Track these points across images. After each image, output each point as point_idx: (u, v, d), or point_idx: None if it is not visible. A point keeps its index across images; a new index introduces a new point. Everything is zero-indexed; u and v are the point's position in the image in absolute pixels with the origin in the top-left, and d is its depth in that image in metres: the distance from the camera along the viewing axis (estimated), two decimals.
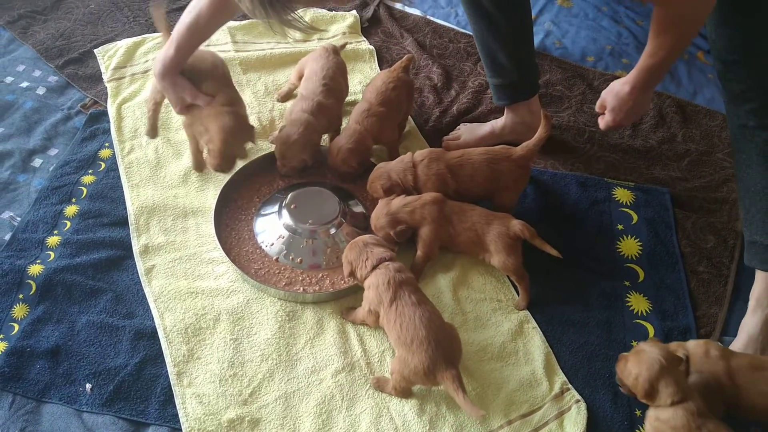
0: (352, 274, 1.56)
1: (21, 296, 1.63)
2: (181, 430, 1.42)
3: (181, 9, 2.55)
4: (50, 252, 1.73)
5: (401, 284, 1.47)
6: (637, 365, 1.32)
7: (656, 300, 1.69)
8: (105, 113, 2.12)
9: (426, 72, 2.35)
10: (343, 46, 2.19)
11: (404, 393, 1.46)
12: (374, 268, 1.51)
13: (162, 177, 1.92)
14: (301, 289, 1.67)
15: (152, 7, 1.91)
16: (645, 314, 1.67)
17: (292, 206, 1.78)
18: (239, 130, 1.79)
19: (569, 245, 1.66)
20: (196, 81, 1.78)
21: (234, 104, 1.80)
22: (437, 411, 1.46)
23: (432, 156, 1.77)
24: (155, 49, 2.34)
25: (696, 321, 1.66)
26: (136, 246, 1.75)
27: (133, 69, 2.25)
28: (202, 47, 1.83)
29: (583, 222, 1.87)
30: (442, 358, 1.37)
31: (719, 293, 1.72)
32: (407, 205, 1.68)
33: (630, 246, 1.82)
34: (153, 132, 1.96)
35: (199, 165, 1.92)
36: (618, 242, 1.83)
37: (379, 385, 1.49)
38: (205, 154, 1.87)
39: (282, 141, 1.83)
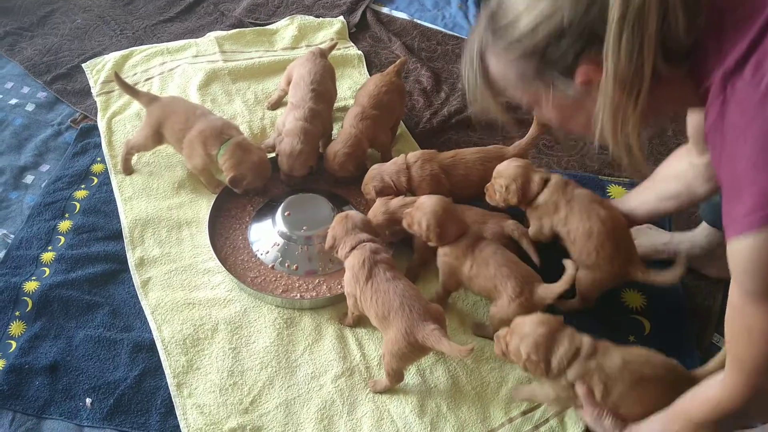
0: (333, 248, 1.57)
1: (18, 313, 1.63)
2: None
3: (168, 21, 2.59)
4: (45, 268, 1.73)
5: (377, 263, 1.48)
6: (419, 213, 1.55)
7: (650, 295, 1.70)
8: (95, 127, 2.12)
9: (415, 75, 2.36)
10: (332, 47, 2.19)
11: (397, 376, 1.46)
12: (353, 248, 1.52)
13: (155, 189, 1.92)
14: (298, 295, 1.67)
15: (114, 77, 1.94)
16: (640, 309, 1.67)
17: (286, 213, 1.78)
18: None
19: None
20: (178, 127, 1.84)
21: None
22: (438, 411, 1.46)
23: (425, 157, 1.78)
24: (143, 62, 2.34)
25: (690, 314, 1.67)
26: (132, 259, 1.75)
27: None
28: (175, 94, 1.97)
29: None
30: (419, 318, 1.37)
31: (713, 286, 1.74)
32: (405, 206, 1.68)
33: None
34: (128, 171, 1.96)
35: (217, 186, 1.92)
36: None
37: (376, 387, 1.50)
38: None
39: (287, 155, 1.83)
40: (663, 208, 1.55)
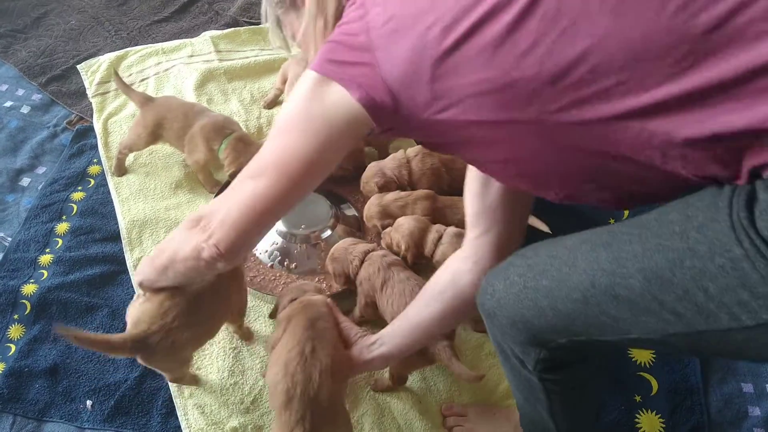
0: (346, 278, 1.57)
1: (16, 317, 1.62)
2: None
3: (163, 21, 2.58)
4: (43, 271, 1.72)
5: (390, 266, 1.49)
6: (397, 234, 1.62)
7: None
8: (91, 129, 2.12)
9: None
10: None
11: (401, 380, 1.46)
12: (362, 262, 1.53)
13: (152, 190, 1.92)
14: None
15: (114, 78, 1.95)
16: None
17: None
18: None
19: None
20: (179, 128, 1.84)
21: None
22: (438, 409, 1.46)
23: (425, 151, 1.78)
24: (139, 63, 2.34)
25: None
26: (130, 260, 1.74)
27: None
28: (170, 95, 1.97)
29: (576, 214, 1.88)
30: None
31: None
32: (399, 200, 1.69)
33: None
34: (121, 172, 1.96)
35: (214, 186, 1.92)
36: None
37: (377, 387, 1.50)
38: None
39: None
40: (424, 320, 1.22)
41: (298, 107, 0.90)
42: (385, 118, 0.86)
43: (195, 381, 1.47)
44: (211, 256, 0.97)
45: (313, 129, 0.88)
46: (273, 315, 1.44)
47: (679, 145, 0.71)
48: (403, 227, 1.61)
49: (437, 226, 1.61)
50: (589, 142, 0.77)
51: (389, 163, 1.79)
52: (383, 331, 1.26)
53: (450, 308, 1.18)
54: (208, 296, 1.27)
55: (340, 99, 0.86)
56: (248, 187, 0.94)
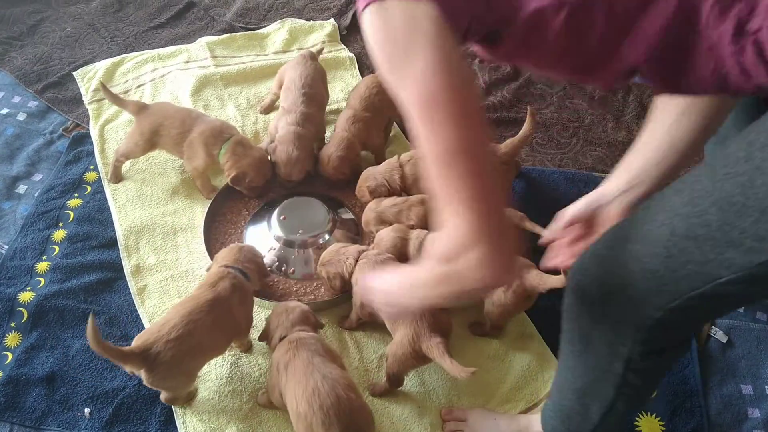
0: (341, 280, 1.56)
1: (13, 324, 1.62)
2: None
3: (159, 27, 2.58)
4: (40, 278, 1.72)
5: (384, 265, 1.49)
6: (379, 249, 1.59)
7: None
8: (88, 135, 2.11)
9: None
10: (320, 51, 2.20)
11: (396, 381, 1.46)
12: (357, 261, 1.53)
13: (149, 196, 1.91)
14: (296, 299, 1.66)
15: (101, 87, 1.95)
16: None
17: (282, 217, 1.78)
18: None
19: None
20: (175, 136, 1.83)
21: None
22: (437, 412, 1.46)
23: (418, 155, 1.78)
24: (135, 69, 2.34)
25: None
26: (127, 266, 1.74)
27: (113, 90, 2.23)
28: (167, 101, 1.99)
29: None
30: (428, 327, 1.37)
31: None
32: (395, 206, 1.69)
33: None
34: (117, 179, 1.95)
35: (211, 192, 1.91)
36: None
37: (375, 390, 1.50)
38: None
39: (284, 162, 1.83)
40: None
41: (389, 52, 0.82)
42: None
43: (190, 399, 1.47)
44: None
45: (423, 55, 0.79)
46: (262, 338, 1.45)
47: (749, 32, 0.73)
48: (384, 241, 1.60)
49: (416, 232, 1.61)
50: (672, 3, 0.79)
51: (381, 168, 1.79)
52: (628, 176, 1.20)
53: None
54: (207, 313, 1.35)
55: (412, 8, 0.79)
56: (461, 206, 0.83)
